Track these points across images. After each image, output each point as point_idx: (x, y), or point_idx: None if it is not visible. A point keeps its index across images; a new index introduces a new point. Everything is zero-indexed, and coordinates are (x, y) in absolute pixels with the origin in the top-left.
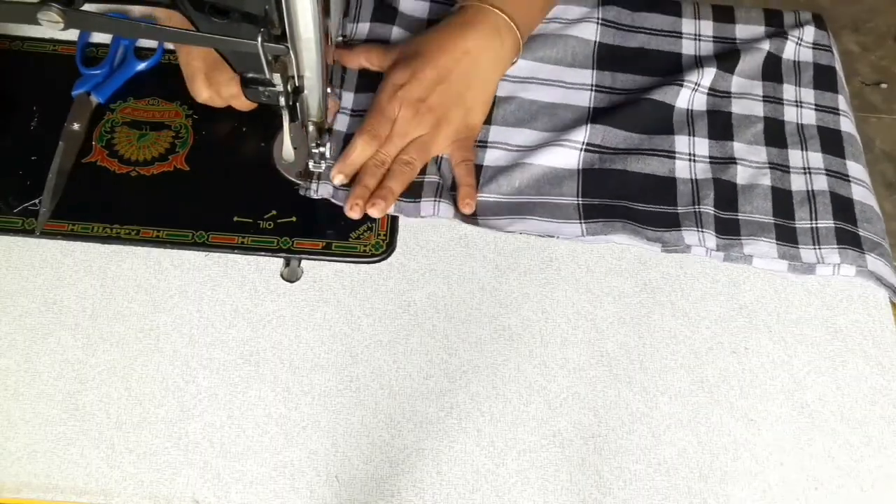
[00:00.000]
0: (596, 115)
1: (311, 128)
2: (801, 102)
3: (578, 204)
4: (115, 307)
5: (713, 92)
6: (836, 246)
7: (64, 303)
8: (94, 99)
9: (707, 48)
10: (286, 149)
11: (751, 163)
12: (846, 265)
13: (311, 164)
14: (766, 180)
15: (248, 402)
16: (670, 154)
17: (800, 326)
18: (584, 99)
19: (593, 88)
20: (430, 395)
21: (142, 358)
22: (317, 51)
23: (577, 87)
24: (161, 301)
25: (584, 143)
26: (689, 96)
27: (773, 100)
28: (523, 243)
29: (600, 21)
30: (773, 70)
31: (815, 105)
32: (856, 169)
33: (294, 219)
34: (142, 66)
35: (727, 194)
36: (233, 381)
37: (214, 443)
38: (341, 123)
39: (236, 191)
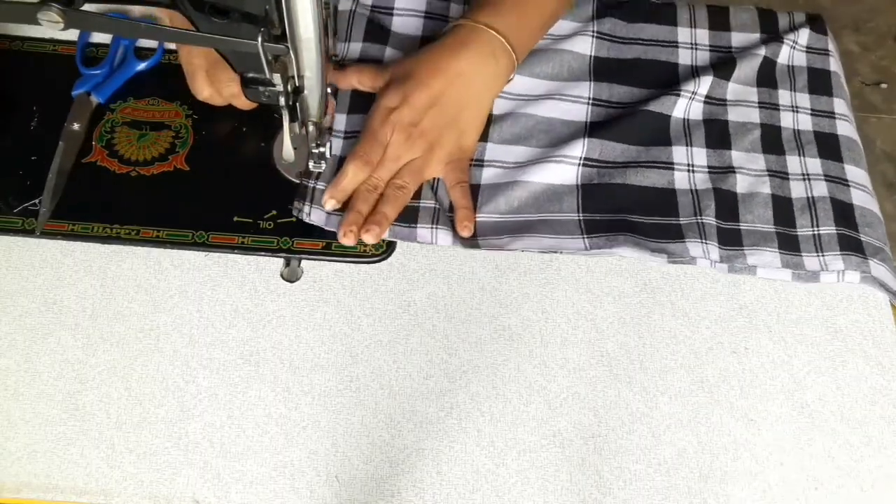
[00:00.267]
0: (593, 129)
1: (311, 128)
2: (796, 107)
3: (580, 219)
4: (115, 307)
5: (709, 100)
6: (839, 252)
7: (64, 303)
8: (94, 99)
9: (703, 57)
10: (286, 149)
11: (749, 171)
12: (850, 271)
13: (311, 164)
14: (765, 188)
15: (248, 402)
16: (668, 165)
17: (800, 326)
18: (581, 113)
19: (590, 102)
20: (430, 395)
21: (142, 358)
22: (317, 51)
23: (574, 100)
24: (161, 301)
25: (581, 157)
26: (686, 105)
27: (768, 106)
28: None
29: (595, 34)
30: (768, 75)
31: (811, 110)
32: (855, 173)
33: (294, 219)
34: (142, 66)
35: (728, 204)
36: (233, 381)
37: (214, 443)
38: (335, 146)
39: (236, 191)
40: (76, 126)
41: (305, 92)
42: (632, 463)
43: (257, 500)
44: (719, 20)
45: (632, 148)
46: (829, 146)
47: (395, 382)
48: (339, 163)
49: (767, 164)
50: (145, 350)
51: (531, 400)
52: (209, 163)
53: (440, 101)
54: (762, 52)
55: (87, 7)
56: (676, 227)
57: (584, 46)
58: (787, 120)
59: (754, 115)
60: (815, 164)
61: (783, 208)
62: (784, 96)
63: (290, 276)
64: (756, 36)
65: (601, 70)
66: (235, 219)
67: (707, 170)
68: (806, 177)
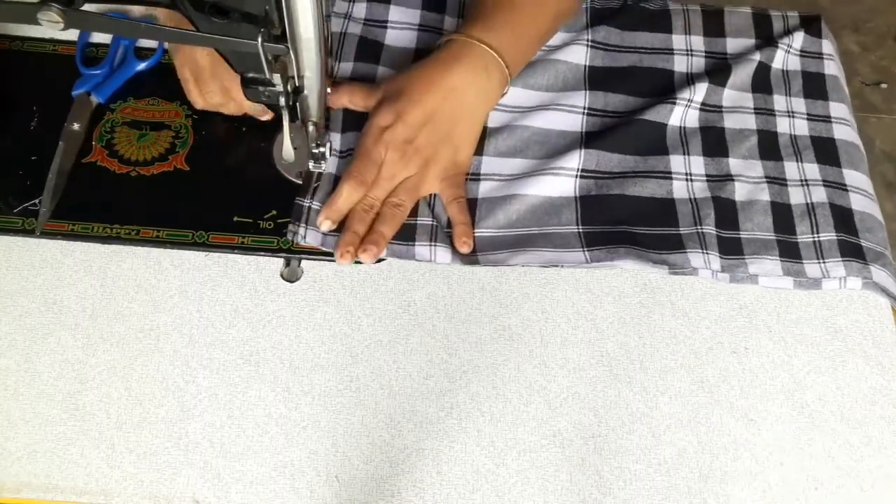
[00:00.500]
0: (589, 139)
1: (311, 128)
2: (792, 113)
3: (579, 232)
4: (115, 307)
5: (705, 107)
6: (840, 259)
7: (64, 303)
8: (94, 99)
9: (699, 63)
10: (286, 149)
11: (748, 178)
12: (852, 278)
13: (311, 164)
14: (764, 195)
15: (248, 402)
16: (666, 175)
17: (800, 326)
18: (577, 123)
19: (585, 112)
20: (430, 395)
21: (142, 358)
22: (317, 51)
23: (569, 110)
24: (161, 301)
25: (578, 169)
26: (682, 113)
27: (764, 112)
28: None
29: (589, 43)
30: (763, 81)
31: (807, 115)
32: (853, 177)
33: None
34: (142, 66)
35: (727, 212)
36: (233, 381)
37: (214, 443)
38: (330, 165)
39: (236, 191)
40: (76, 126)
41: (305, 92)
42: (632, 463)
43: (257, 500)
44: (714, 25)
45: (629, 158)
46: (826, 151)
47: (395, 382)
48: (335, 182)
49: (765, 171)
50: (145, 350)
51: (531, 400)
52: (209, 163)
53: (434, 118)
54: (757, 57)
55: (87, 7)
56: (677, 238)
57: (579, 56)
58: (783, 125)
59: (750, 122)
60: (812, 170)
61: (783, 215)
62: (779, 101)
63: (290, 276)
64: (751, 41)
65: (596, 79)
66: (235, 219)
67: (705, 178)
68: (804, 183)
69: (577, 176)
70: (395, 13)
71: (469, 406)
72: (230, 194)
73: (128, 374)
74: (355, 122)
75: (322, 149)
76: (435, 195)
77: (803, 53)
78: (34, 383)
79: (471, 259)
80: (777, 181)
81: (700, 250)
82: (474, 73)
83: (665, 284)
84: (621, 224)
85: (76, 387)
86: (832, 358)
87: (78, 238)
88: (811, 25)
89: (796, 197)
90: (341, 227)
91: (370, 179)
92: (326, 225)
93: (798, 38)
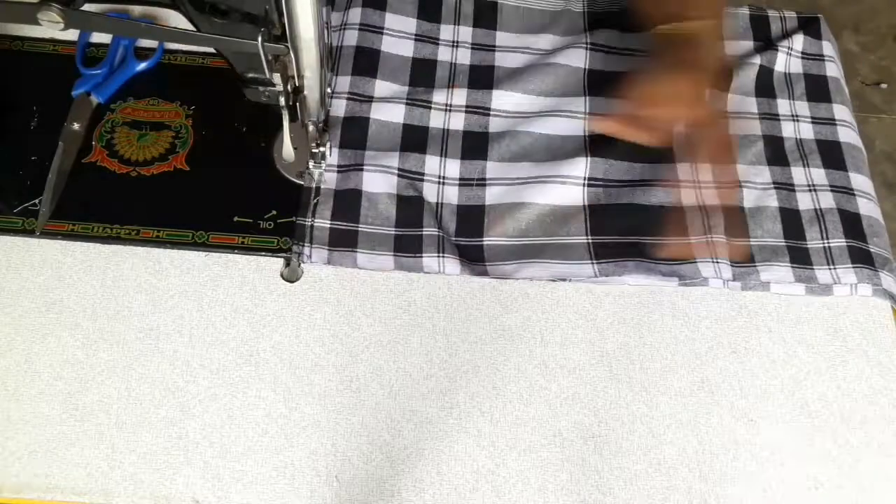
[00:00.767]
0: (594, 146)
1: (311, 128)
2: (797, 116)
3: (588, 243)
4: (115, 307)
5: None
6: (850, 265)
7: (64, 303)
8: (94, 99)
9: None
10: (286, 149)
11: (755, 184)
12: (863, 284)
13: (311, 163)
14: (772, 201)
15: (247, 403)
16: (674, 183)
17: (800, 327)
18: (579, 128)
19: (587, 117)
20: (430, 395)
21: (142, 358)
22: (317, 51)
23: (571, 116)
24: (161, 301)
25: (585, 178)
26: None
27: (769, 116)
28: None
29: (589, 46)
30: (766, 85)
31: (812, 118)
32: (859, 181)
33: (294, 219)
34: (142, 66)
35: (737, 222)
36: (233, 381)
37: (214, 443)
38: (329, 181)
39: (236, 191)
40: (76, 126)
41: (305, 92)
42: (632, 463)
43: (257, 500)
44: None
45: (636, 166)
46: (832, 155)
47: (395, 382)
48: (335, 197)
49: (773, 177)
50: (145, 350)
51: (531, 400)
52: (209, 163)
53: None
54: (758, 60)
55: (87, 7)
56: (686, 247)
57: (579, 59)
58: (788, 130)
59: (755, 127)
60: (819, 175)
61: (792, 221)
62: (783, 105)
63: (290, 276)
64: (750, 43)
65: (596, 83)
66: (235, 219)
67: (714, 185)
68: (812, 188)
69: (584, 185)
70: (390, 20)
71: (469, 406)
72: (230, 194)
73: (128, 374)
74: (354, 137)
75: (322, 149)
76: (442, 203)
77: (804, 56)
78: (34, 383)
79: (480, 270)
80: (785, 187)
81: (710, 259)
82: None
83: (665, 284)
84: (631, 234)
85: (76, 387)
86: (832, 358)
87: (78, 238)
88: (810, 27)
89: (804, 202)
90: (350, 242)
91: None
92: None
93: (798, 41)
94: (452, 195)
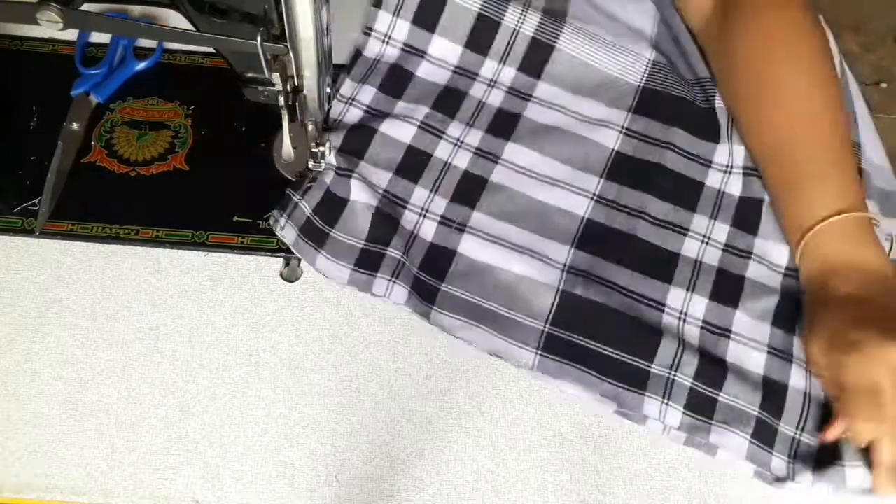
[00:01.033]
0: (587, 234)
1: (310, 127)
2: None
3: (543, 331)
4: (115, 307)
5: (728, 249)
6: (810, 468)
7: (64, 303)
8: (94, 99)
9: (735, 184)
10: (286, 148)
11: (748, 341)
12: (821, 483)
13: (310, 163)
14: (759, 367)
15: (247, 403)
16: (659, 306)
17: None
18: (581, 206)
19: (594, 198)
20: (430, 395)
21: (141, 358)
22: (316, 50)
23: (577, 191)
24: (161, 301)
25: (566, 265)
26: (699, 248)
27: (794, 275)
28: None
29: (625, 130)
30: None
31: None
32: None
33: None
34: (141, 65)
35: (713, 369)
36: (232, 381)
37: (214, 443)
38: (326, 176)
39: (236, 191)
40: (75, 126)
41: (305, 91)
42: (632, 463)
43: (257, 500)
44: None
45: (626, 271)
46: None
47: (394, 382)
48: (327, 191)
49: (771, 340)
50: (145, 350)
51: (531, 400)
52: (209, 163)
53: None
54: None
55: (86, 7)
56: (644, 374)
57: (609, 140)
58: None
59: (774, 282)
60: None
61: (776, 394)
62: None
63: (290, 276)
64: None
65: (618, 169)
66: (235, 219)
67: (701, 324)
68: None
69: (564, 270)
70: (436, 46)
71: (469, 406)
72: (230, 194)
73: (127, 374)
74: (356, 139)
75: (322, 148)
76: (416, 234)
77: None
78: (34, 383)
79: (423, 310)
80: (781, 355)
81: (660, 399)
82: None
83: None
84: (592, 339)
85: (76, 387)
86: None
87: (77, 238)
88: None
89: (797, 378)
90: (318, 241)
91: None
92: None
93: None
94: (429, 230)
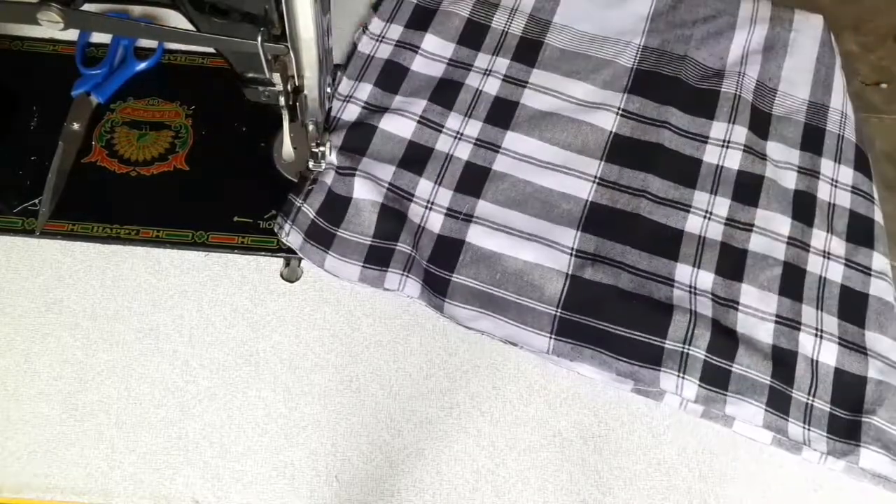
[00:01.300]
0: (592, 217)
1: (311, 127)
2: (829, 254)
3: (555, 315)
4: (115, 307)
5: (730, 223)
6: (824, 434)
7: (64, 303)
8: (94, 99)
9: (733, 158)
10: (286, 149)
11: (756, 312)
12: (833, 458)
13: (310, 163)
14: (768, 337)
15: (248, 402)
16: (668, 281)
17: None
18: (584, 190)
19: (596, 181)
20: (430, 395)
21: (142, 358)
22: (317, 51)
23: (579, 175)
24: (161, 301)
25: (573, 249)
26: (701, 224)
27: (798, 244)
28: None
29: (621, 111)
30: (804, 210)
31: (845, 261)
32: (880, 343)
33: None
34: (141, 66)
35: (725, 340)
36: (232, 381)
37: (214, 443)
38: (327, 177)
39: (236, 191)
40: (76, 126)
41: (305, 92)
42: (632, 463)
43: (257, 500)
44: (760, 123)
45: (633, 251)
46: (853, 307)
47: (395, 382)
48: (328, 192)
49: (779, 309)
50: (145, 350)
51: (531, 400)
52: (209, 163)
53: None
54: (794, 183)
55: (86, 7)
56: (658, 350)
57: (606, 122)
58: (814, 265)
59: (779, 251)
60: (831, 324)
61: (785, 363)
62: (818, 238)
63: (290, 276)
64: (795, 154)
65: (617, 149)
66: (235, 219)
67: (711, 297)
68: (819, 333)
69: (572, 254)
70: (429, 42)
71: (469, 406)
72: (230, 194)
73: (127, 374)
74: (356, 142)
75: (322, 148)
76: (423, 227)
77: (855, 190)
78: (34, 383)
79: (437, 303)
80: (789, 323)
81: (676, 373)
82: None
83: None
84: (604, 321)
85: (76, 387)
86: None
87: (78, 238)
88: (862, 162)
89: (805, 346)
90: (325, 242)
91: None
92: None
93: (847, 173)
94: (436, 222)
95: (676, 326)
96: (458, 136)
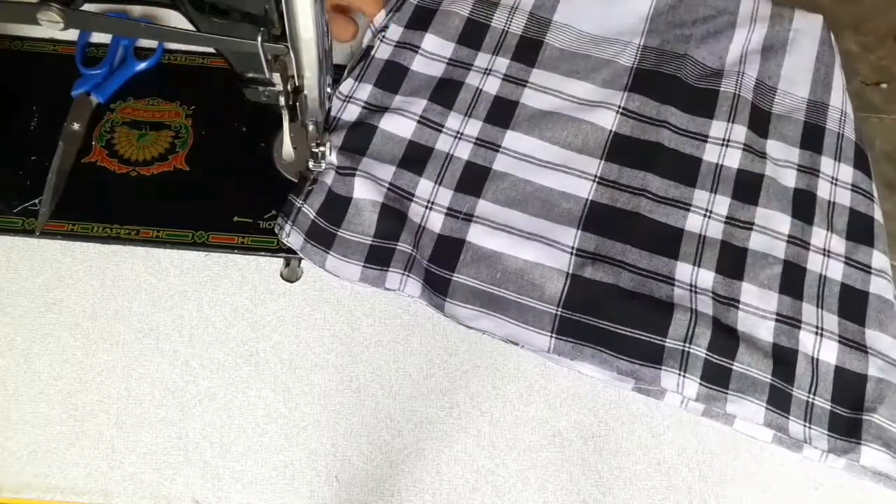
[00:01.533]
0: (592, 216)
1: (311, 128)
2: (829, 252)
3: (556, 314)
4: (115, 307)
5: (731, 221)
6: (825, 432)
7: (64, 303)
8: (94, 99)
9: (733, 157)
10: (286, 149)
11: (757, 310)
12: (833, 455)
13: (311, 163)
14: (768, 335)
15: (248, 402)
16: (669, 280)
17: None
18: (584, 189)
19: (596, 180)
20: (430, 395)
21: (142, 358)
22: (317, 51)
23: (579, 175)
24: (161, 301)
25: (573, 248)
26: (701, 223)
27: (798, 242)
28: None
29: (621, 110)
30: (804, 208)
31: (845, 259)
32: (881, 341)
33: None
34: (141, 65)
35: (726, 339)
36: (232, 381)
37: (214, 443)
38: (327, 177)
39: (236, 191)
40: (76, 126)
41: (305, 92)
42: (632, 463)
43: (257, 500)
44: (760, 121)
45: (633, 250)
46: (853, 305)
47: (395, 382)
48: (328, 192)
49: (779, 307)
50: (145, 350)
51: (531, 400)
52: (209, 163)
53: None
54: (794, 181)
55: (86, 7)
56: (658, 349)
57: (606, 121)
58: (815, 263)
59: (779, 249)
60: (831, 322)
61: (786, 362)
62: (818, 236)
63: (290, 276)
64: (795, 152)
65: (617, 150)
66: (235, 219)
67: (711, 295)
68: (819, 331)
69: (572, 253)
70: (429, 42)
71: (469, 406)
72: (230, 194)
73: (127, 374)
74: (356, 143)
75: (322, 148)
76: (424, 227)
77: (854, 189)
78: (34, 383)
79: (437, 303)
80: (789, 321)
81: (677, 371)
82: None
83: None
84: (605, 319)
85: (76, 387)
86: None
87: (78, 238)
88: (862, 160)
89: (805, 344)
90: (326, 242)
91: None
92: None
93: (847, 172)
94: (437, 222)
95: (677, 325)
96: (458, 135)
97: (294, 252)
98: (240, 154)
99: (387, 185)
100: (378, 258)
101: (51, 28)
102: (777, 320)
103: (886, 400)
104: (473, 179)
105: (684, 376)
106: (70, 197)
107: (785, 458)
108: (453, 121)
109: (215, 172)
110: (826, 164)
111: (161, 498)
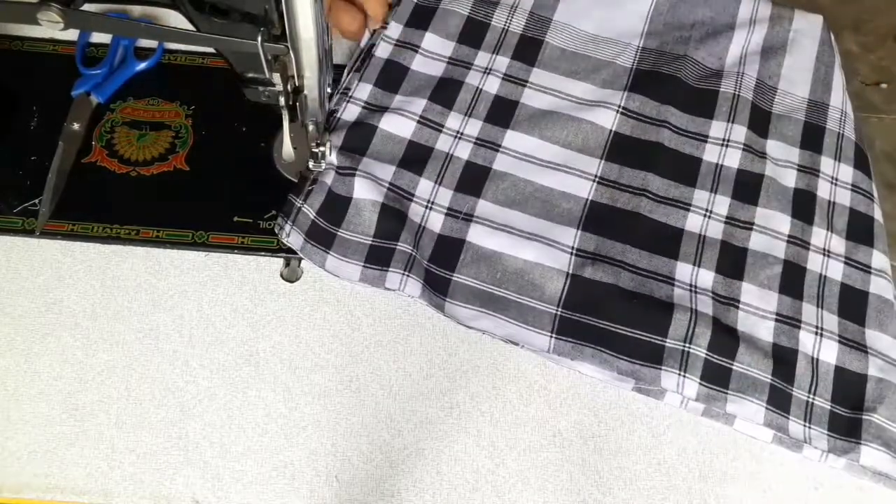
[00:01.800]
0: (592, 216)
1: (311, 128)
2: (828, 252)
3: (556, 314)
4: (115, 307)
5: (731, 221)
6: (825, 432)
7: (64, 303)
8: (94, 99)
9: (733, 157)
10: (286, 149)
11: (756, 310)
12: (833, 455)
13: (311, 163)
14: (768, 335)
15: (248, 403)
16: (669, 280)
17: None
18: (584, 189)
19: (596, 179)
20: (430, 395)
21: (142, 358)
22: (317, 51)
23: (579, 174)
24: (161, 301)
25: (573, 248)
26: (701, 223)
27: (798, 242)
28: None
29: (621, 109)
30: (804, 208)
31: (845, 259)
32: (881, 341)
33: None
34: (141, 65)
35: (726, 341)
36: (232, 382)
37: (214, 443)
38: (327, 177)
39: (236, 191)
40: (76, 126)
41: (305, 92)
42: (632, 463)
43: (257, 500)
44: (760, 121)
45: (633, 250)
46: (853, 305)
47: (395, 382)
48: (328, 192)
49: (779, 307)
50: (145, 350)
51: (531, 400)
52: (209, 163)
53: None
54: (794, 181)
55: (86, 7)
56: (658, 349)
57: (607, 120)
58: (815, 263)
59: (779, 249)
60: (831, 322)
61: (786, 361)
62: (818, 236)
63: (290, 276)
64: (795, 152)
65: (617, 150)
66: (235, 219)
67: (711, 295)
68: (819, 331)
69: (572, 253)
70: (429, 41)
71: (469, 406)
72: (230, 194)
73: (127, 374)
74: (356, 143)
75: (322, 148)
76: (424, 227)
77: (854, 189)
78: (34, 383)
79: (437, 303)
80: (788, 321)
81: (677, 371)
82: None
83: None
84: (605, 319)
85: (76, 387)
86: None
87: (78, 238)
88: (862, 160)
89: (805, 344)
90: (326, 242)
91: None
92: None
93: (847, 172)
94: (437, 222)
95: (677, 325)
96: (458, 135)
97: (294, 252)
98: (240, 154)
99: (387, 185)
100: (378, 258)
101: (51, 28)
102: (777, 320)
103: (886, 400)
104: (473, 179)
105: (684, 376)
106: (70, 197)
107: (785, 458)
108: (453, 120)
109: (215, 172)
110: (826, 164)
111: (161, 498)
